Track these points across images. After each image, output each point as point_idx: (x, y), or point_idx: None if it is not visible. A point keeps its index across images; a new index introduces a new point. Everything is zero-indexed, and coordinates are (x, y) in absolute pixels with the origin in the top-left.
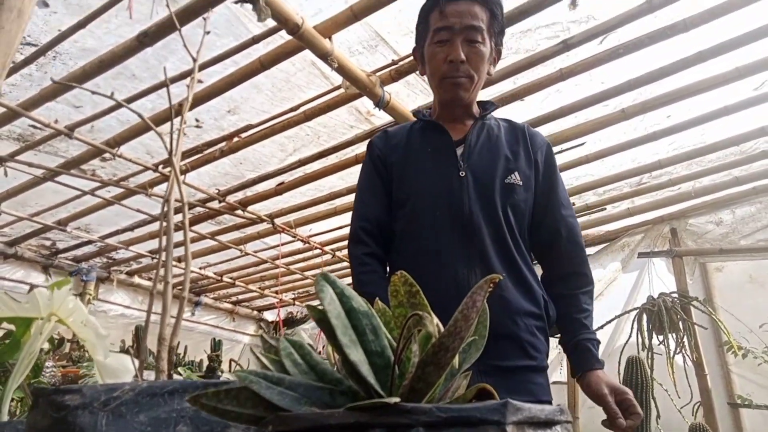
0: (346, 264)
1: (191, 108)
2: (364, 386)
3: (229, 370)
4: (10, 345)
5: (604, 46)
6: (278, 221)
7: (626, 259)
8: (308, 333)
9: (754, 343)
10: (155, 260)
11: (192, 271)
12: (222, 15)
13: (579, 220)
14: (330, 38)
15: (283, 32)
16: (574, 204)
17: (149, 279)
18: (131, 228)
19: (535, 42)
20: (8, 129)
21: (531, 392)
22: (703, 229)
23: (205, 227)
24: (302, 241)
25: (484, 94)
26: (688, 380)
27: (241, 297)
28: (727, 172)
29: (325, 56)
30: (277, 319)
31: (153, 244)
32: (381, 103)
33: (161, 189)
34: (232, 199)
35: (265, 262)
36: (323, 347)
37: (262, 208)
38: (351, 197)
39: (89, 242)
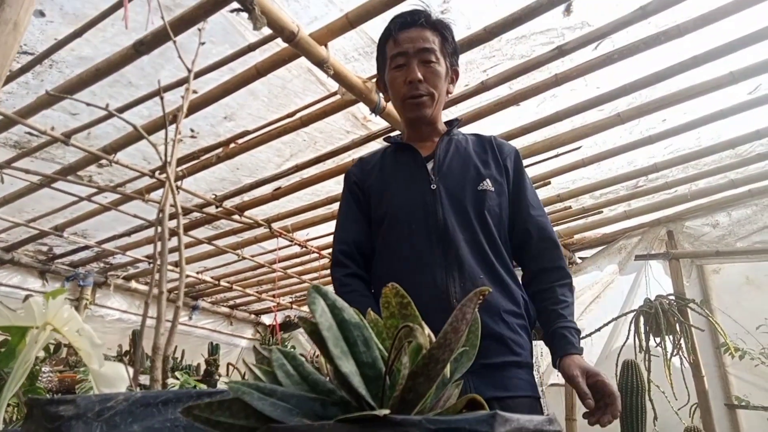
0: None
1: (187, 116)
2: (355, 397)
3: (227, 374)
4: (6, 354)
5: (598, 51)
6: (275, 226)
7: (623, 262)
8: (305, 337)
9: (751, 344)
10: (152, 265)
11: (189, 276)
12: (218, 23)
13: (576, 223)
14: (326, 45)
15: (279, 40)
16: (570, 207)
17: (146, 284)
18: (128, 233)
19: (530, 48)
20: (5, 136)
21: (517, 387)
22: (699, 231)
23: (202, 232)
24: (299, 245)
25: (480, 100)
26: (686, 382)
27: (238, 301)
28: (723, 174)
29: (320, 63)
30: (275, 323)
31: (150, 248)
32: (377, 109)
33: (158, 194)
34: (229, 204)
35: (263, 266)
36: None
37: (259, 213)
38: None
39: (86, 247)
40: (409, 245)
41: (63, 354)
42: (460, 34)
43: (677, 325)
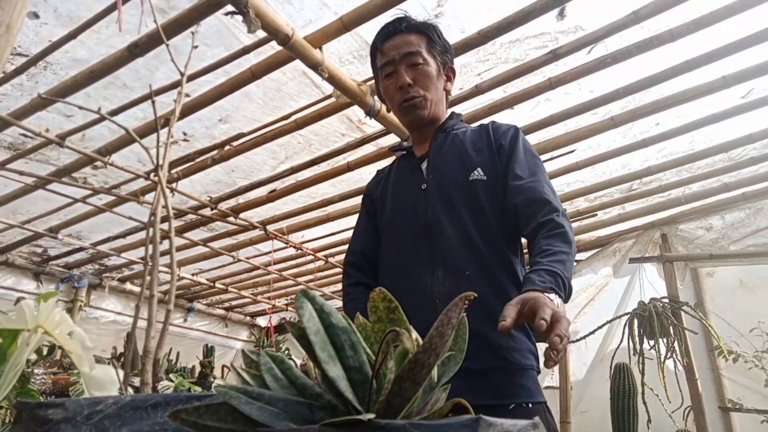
0: (338, 270)
1: (181, 118)
2: (342, 401)
3: (222, 377)
4: None
5: (592, 55)
6: (270, 228)
7: (618, 265)
8: None
9: (744, 347)
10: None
11: (184, 277)
12: (213, 26)
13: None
14: (320, 48)
15: (273, 42)
16: (565, 210)
17: (141, 286)
18: (123, 235)
19: (524, 52)
20: None
21: (503, 395)
22: (693, 234)
23: (197, 234)
24: (295, 247)
25: (474, 103)
26: (679, 385)
27: (233, 303)
28: (716, 178)
29: (315, 66)
30: (270, 325)
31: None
32: (372, 112)
33: (153, 196)
34: (224, 206)
35: (258, 268)
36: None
37: (254, 215)
38: (343, 204)
39: (81, 249)
40: (400, 248)
41: (57, 356)
42: (454, 37)
43: (671, 328)
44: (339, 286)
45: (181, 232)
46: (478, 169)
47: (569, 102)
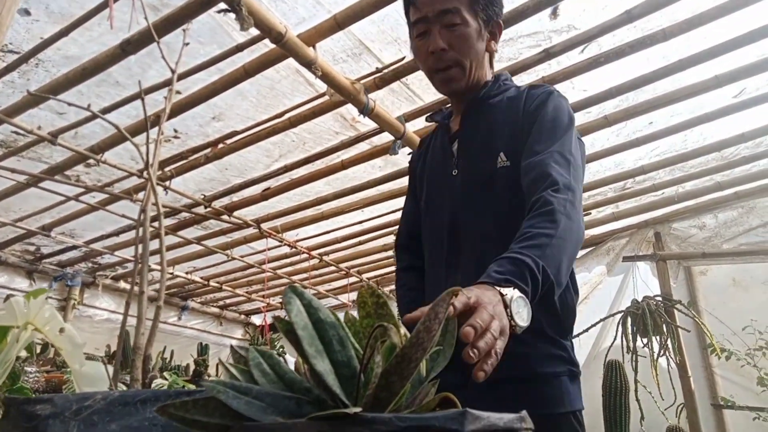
0: (333, 268)
1: (174, 116)
2: (330, 395)
3: (217, 375)
4: None
5: (585, 54)
6: (265, 226)
7: (611, 263)
8: None
9: (737, 345)
10: (139, 266)
11: (178, 276)
12: (205, 23)
13: None
14: (314, 47)
15: (267, 40)
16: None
17: (131, 283)
18: (116, 233)
19: (517, 51)
20: None
21: (516, 406)
22: (686, 233)
23: (191, 232)
24: (289, 245)
25: None
26: (672, 382)
27: (228, 301)
28: (709, 177)
29: (309, 64)
30: (264, 324)
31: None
32: (365, 110)
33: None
34: (218, 204)
35: (252, 266)
36: None
37: (248, 213)
38: (337, 202)
39: (74, 247)
40: (429, 240)
41: (50, 354)
42: None
43: (664, 326)
44: (334, 285)
45: (174, 230)
46: (502, 154)
47: None
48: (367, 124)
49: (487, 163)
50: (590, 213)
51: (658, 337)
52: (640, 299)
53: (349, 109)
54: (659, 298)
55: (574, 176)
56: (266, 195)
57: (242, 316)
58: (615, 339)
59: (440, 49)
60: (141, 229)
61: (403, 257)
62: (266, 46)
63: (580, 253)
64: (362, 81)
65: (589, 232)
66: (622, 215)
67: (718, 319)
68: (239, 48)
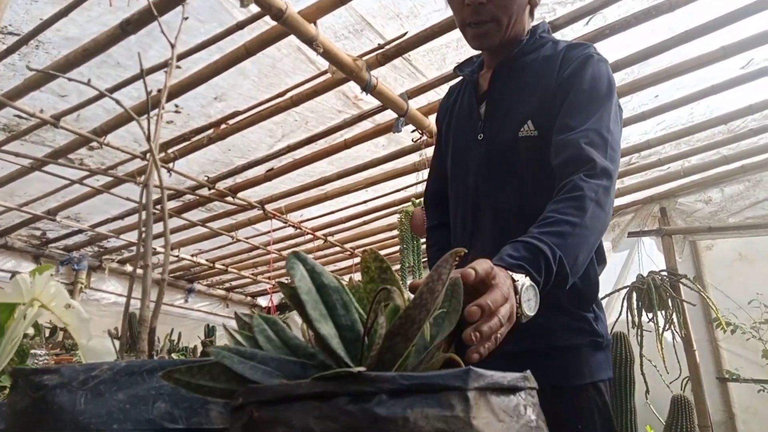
0: (338, 249)
1: (178, 95)
2: (334, 359)
3: None
4: None
5: (590, 27)
6: (269, 207)
7: (616, 239)
8: None
9: (742, 319)
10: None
11: (184, 258)
12: (205, 1)
13: None
14: (315, 23)
15: (267, 18)
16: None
17: (135, 258)
18: (121, 216)
19: None
20: None
21: (537, 377)
22: (692, 207)
23: (195, 214)
24: (293, 226)
25: None
26: (677, 356)
27: (234, 283)
28: (715, 150)
29: (310, 41)
30: (270, 305)
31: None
32: (368, 88)
33: (154, 176)
34: (221, 185)
35: (257, 248)
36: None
37: (252, 195)
38: (341, 182)
39: (79, 231)
40: (452, 211)
41: (59, 337)
42: (449, 12)
43: (669, 301)
44: (340, 266)
45: (179, 212)
46: (529, 121)
47: None
48: (370, 102)
49: (512, 128)
50: None
51: (663, 312)
52: (645, 274)
53: (352, 87)
54: (665, 273)
55: (611, 158)
56: (270, 176)
57: (248, 298)
58: (620, 314)
59: (478, 2)
60: (144, 200)
61: (433, 214)
62: (267, 23)
63: None
64: (364, 58)
65: None
66: (627, 191)
67: (723, 293)
68: (239, 26)
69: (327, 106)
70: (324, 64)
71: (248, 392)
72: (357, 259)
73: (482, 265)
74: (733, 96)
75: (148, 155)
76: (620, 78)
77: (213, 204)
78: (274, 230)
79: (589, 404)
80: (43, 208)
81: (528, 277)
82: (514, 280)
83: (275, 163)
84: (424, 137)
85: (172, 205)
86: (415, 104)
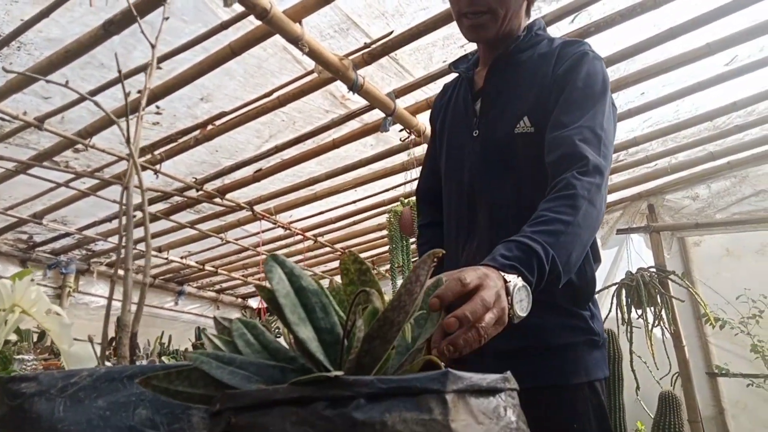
0: (328, 249)
1: (163, 96)
2: (314, 363)
3: None
4: None
5: (575, 24)
6: (258, 208)
7: (605, 236)
8: None
9: (731, 314)
10: (135, 251)
11: (173, 261)
12: (189, 1)
13: None
14: (300, 22)
15: (252, 17)
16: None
17: (116, 262)
18: (108, 219)
19: None
20: None
21: (532, 376)
22: (679, 204)
23: (184, 216)
24: (283, 227)
25: None
26: (667, 352)
27: (224, 285)
28: (701, 147)
29: (295, 41)
30: (260, 306)
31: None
32: (355, 87)
33: (136, 180)
34: (209, 187)
35: (247, 249)
36: None
37: (240, 196)
38: (330, 182)
39: (67, 235)
40: (446, 208)
41: (47, 342)
42: (437, 8)
43: (658, 297)
44: (330, 266)
45: (167, 214)
46: (526, 117)
47: None
48: (357, 102)
49: (509, 124)
50: None
51: (652, 308)
52: (634, 271)
53: (339, 87)
54: (653, 270)
55: (604, 155)
56: (258, 177)
57: (239, 300)
58: (610, 311)
59: None
60: (125, 201)
61: (425, 212)
62: (252, 23)
63: None
64: (350, 57)
65: None
66: (615, 188)
67: (711, 288)
68: (224, 26)
69: (314, 106)
70: (310, 63)
71: (226, 398)
72: None
73: (453, 284)
74: (718, 93)
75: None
76: None
77: (201, 205)
78: (263, 231)
79: (585, 404)
80: (29, 211)
81: (520, 278)
82: (506, 281)
83: (263, 164)
84: (412, 136)
85: (159, 207)
86: (403, 103)
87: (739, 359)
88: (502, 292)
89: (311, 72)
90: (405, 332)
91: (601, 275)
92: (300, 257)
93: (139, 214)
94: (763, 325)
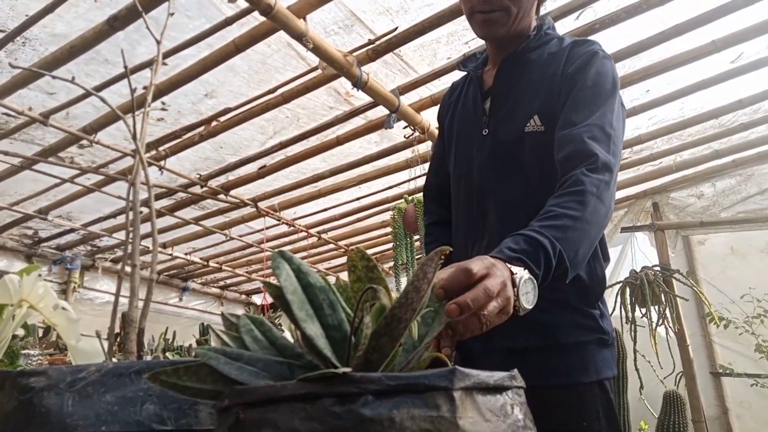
0: (332, 246)
1: (167, 92)
2: (321, 359)
3: None
4: None
5: (580, 21)
6: (262, 205)
7: (609, 234)
8: None
9: (735, 313)
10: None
11: (178, 257)
12: None
13: None
14: (304, 18)
15: (256, 13)
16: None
17: (123, 259)
18: (113, 215)
19: None
20: None
21: (540, 375)
22: (684, 202)
23: (188, 212)
24: (287, 224)
25: None
26: (671, 351)
27: (228, 281)
28: (707, 145)
29: (299, 37)
30: (264, 303)
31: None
32: (359, 84)
33: (141, 175)
34: (214, 183)
35: (251, 245)
36: None
37: (245, 192)
38: (334, 179)
39: (72, 230)
40: (455, 207)
41: (53, 337)
42: (441, 4)
43: (662, 296)
44: (334, 263)
45: (172, 210)
46: (536, 117)
47: None
48: (361, 98)
49: (519, 123)
50: None
51: (656, 307)
52: (638, 270)
53: (343, 83)
54: (657, 268)
55: (613, 153)
56: (262, 173)
57: (243, 296)
58: (613, 310)
59: None
60: (131, 199)
61: (433, 211)
62: (256, 19)
63: None
64: (354, 53)
65: None
66: (619, 186)
67: (716, 287)
68: (228, 22)
69: (318, 103)
70: (314, 60)
71: (234, 394)
72: None
73: (477, 264)
74: (724, 90)
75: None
76: None
77: (206, 202)
78: (267, 228)
79: (595, 402)
80: (35, 207)
81: (527, 270)
82: (512, 273)
83: (267, 161)
84: (416, 133)
85: (164, 203)
86: (407, 100)
87: (744, 359)
88: (509, 282)
89: (315, 68)
90: (411, 329)
91: None
92: (304, 254)
93: (144, 211)
94: None
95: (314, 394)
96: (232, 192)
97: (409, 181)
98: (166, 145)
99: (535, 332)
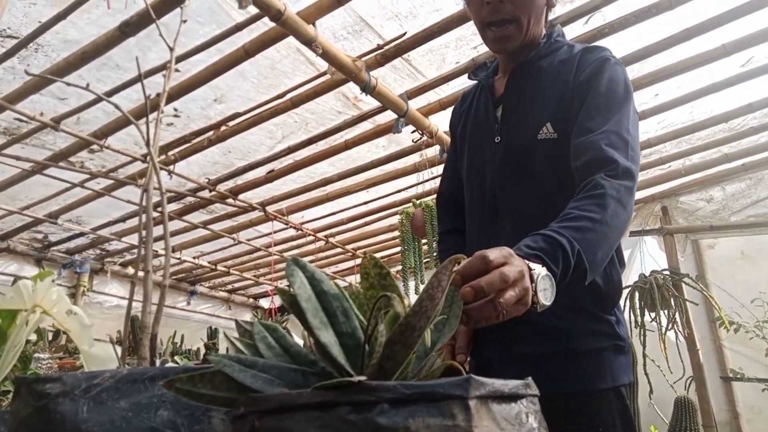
0: (339, 250)
1: (177, 98)
2: (335, 367)
3: None
4: None
5: (589, 25)
6: (270, 209)
7: None
8: None
9: (745, 317)
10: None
11: (186, 261)
12: (204, 2)
13: None
14: (314, 24)
15: (266, 19)
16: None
17: (136, 263)
18: (123, 219)
19: None
20: None
21: (554, 382)
22: (694, 206)
23: (197, 216)
24: (295, 228)
25: None
26: (681, 356)
27: (236, 285)
28: (716, 149)
29: (309, 42)
30: (272, 306)
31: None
32: (368, 88)
33: (154, 180)
34: (222, 187)
35: (259, 249)
36: None
37: (253, 196)
38: (342, 183)
39: (81, 234)
40: (469, 214)
41: (63, 341)
42: (450, 10)
43: (672, 300)
44: (341, 267)
45: (180, 214)
46: (548, 124)
47: None
48: (370, 103)
49: (531, 131)
50: None
51: (666, 311)
52: (647, 274)
53: (351, 88)
54: (667, 272)
55: (632, 158)
56: (270, 177)
57: (251, 300)
58: (622, 314)
59: (497, 0)
60: (144, 205)
61: (446, 219)
62: (266, 24)
63: None
64: (363, 58)
65: None
66: None
67: (726, 291)
68: (238, 27)
69: (327, 107)
70: (323, 65)
71: (250, 402)
72: (358, 261)
73: (494, 253)
74: (734, 94)
75: (148, 158)
76: None
77: (214, 206)
78: (275, 232)
79: (611, 409)
80: (45, 211)
81: (544, 267)
82: (530, 269)
83: (276, 165)
84: (424, 138)
85: (173, 207)
86: (415, 104)
87: (755, 363)
88: (526, 273)
89: (324, 73)
90: (424, 336)
91: None
92: (311, 258)
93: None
94: None
95: (330, 402)
96: (241, 196)
97: (417, 185)
98: (176, 150)
99: (551, 339)
